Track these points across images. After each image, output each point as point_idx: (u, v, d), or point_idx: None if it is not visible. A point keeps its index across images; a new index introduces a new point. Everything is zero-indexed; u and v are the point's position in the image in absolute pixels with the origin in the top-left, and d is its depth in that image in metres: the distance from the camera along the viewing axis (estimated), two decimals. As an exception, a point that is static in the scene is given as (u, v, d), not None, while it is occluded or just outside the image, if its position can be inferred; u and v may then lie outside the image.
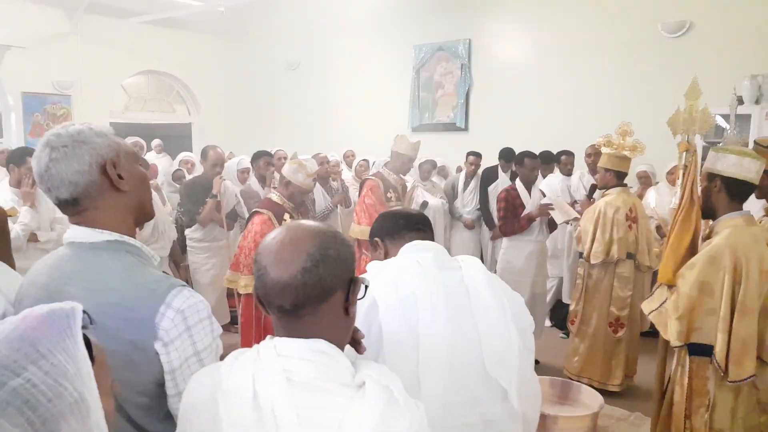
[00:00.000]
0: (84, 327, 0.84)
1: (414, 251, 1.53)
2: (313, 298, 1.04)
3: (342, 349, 1.09)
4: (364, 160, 6.67)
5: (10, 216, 1.64)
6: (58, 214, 4.01)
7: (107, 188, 1.30)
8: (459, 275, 1.49)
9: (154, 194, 4.51)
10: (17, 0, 7.58)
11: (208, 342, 1.27)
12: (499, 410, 1.41)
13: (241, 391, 1.00)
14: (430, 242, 1.60)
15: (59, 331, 0.79)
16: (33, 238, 3.80)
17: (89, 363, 0.81)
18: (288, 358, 1.02)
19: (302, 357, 1.02)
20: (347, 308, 1.09)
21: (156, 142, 8.39)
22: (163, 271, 1.43)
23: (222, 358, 1.21)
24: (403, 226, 1.65)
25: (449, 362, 1.36)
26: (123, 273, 1.27)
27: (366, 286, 1.14)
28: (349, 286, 1.09)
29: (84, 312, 0.85)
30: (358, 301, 1.13)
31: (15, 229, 3.67)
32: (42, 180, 1.29)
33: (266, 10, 8.78)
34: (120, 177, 1.31)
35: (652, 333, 3.73)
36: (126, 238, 1.32)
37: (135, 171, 1.37)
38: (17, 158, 3.86)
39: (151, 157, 8.03)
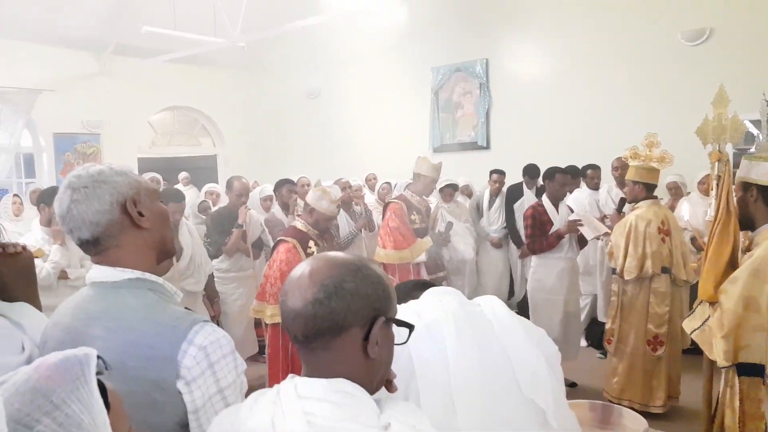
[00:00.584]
0: (99, 373, 0.82)
1: (433, 295, 1.51)
2: (323, 331, 0.99)
3: (371, 390, 1.03)
4: (386, 183, 6.67)
5: (37, 257, 1.65)
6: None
7: (128, 226, 1.30)
8: (479, 309, 1.46)
9: (189, 225, 4.55)
10: (47, 45, 7.84)
11: (232, 379, 1.24)
12: None
13: None
14: (448, 287, 1.58)
15: (73, 379, 0.77)
16: (63, 275, 3.85)
17: (105, 411, 0.79)
18: (309, 400, 0.97)
19: (324, 398, 0.97)
20: (366, 348, 1.02)
21: (182, 175, 8.53)
22: (186, 307, 1.41)
23: (250, 389, 1.18)
24: (414, 288, 1.67)
25: (482, 385, 1.31)
26: (144, 311, 1.26)
27: (410, 330, 1.07)
28: (371, 324, 1.03)
29: (99, 357, 0.83)
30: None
31: (45, 267, 3.73)
32: (64, 221, 1.30)
33: (285, 41, 8.92)
34: (141, 214, 1.31)
35: (694, 350, 3.58)
36: (147, 275, 1.31)
37: (155, 208, 1.36)
38: (47, 198, 3.93)
39: (177, 190, 8.15)
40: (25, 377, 0.76)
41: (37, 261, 3.76)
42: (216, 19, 7.59)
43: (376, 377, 1.06)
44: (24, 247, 1.56)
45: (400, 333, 1.09)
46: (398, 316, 1.10)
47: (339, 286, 1.00)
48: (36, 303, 1.55)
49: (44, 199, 3.97)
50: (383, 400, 1.02)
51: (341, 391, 0.98)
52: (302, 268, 1.05)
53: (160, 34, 7.32)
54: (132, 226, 1.30)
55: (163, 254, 1.40)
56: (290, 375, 1.06)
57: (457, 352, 1.32)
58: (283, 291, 1.05)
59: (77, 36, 8.01)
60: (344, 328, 1.00)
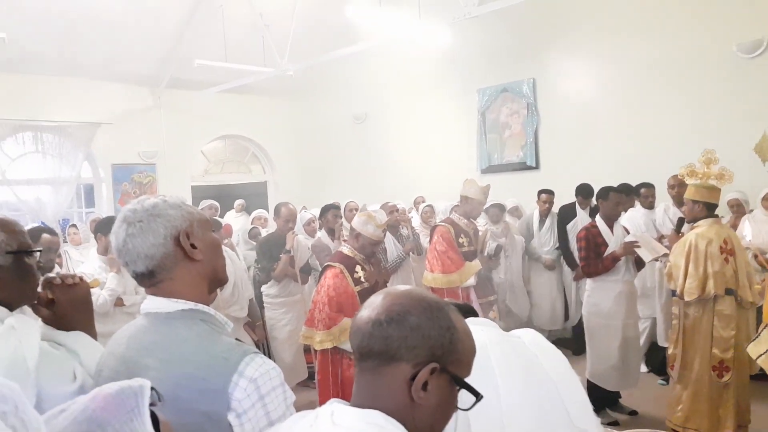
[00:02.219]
0: (152, 404, 0.83)
1: (473, 323, 1.47)
2: (374, 353, 0.99)
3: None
4: (428, 206, 6.61)
5: (92, 287, 1.71)
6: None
7: (181, 258, 1.33)
8: (520, 341, 1.43)
9: (229, 252, 4.63)
10: (105, 81, 8.24)
11: (281, 411, 1.24)
12: None
13: None
14: (484, 319, 1.55)
15: (127, 410, 0.80)
16: (119, 302, 3.98)
17: None
18: (342, 429, 0.96)
19: (355, 428, 0.95)
20: (412, 389, 0.98)
21: (238, 202, 8.79)
22: (237, 338, 1.42)
23: None
24: None
25: (532, 413, 1.28)
26: (197, 342, 1.27)
27: (478, 398, 1.00)
28: (421, 368, 0.98)
29: (152, 389, 0.84)
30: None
31: (102, 294, 3.87)
32: (120, 254, 1.34)
33: (332, 68, 9.09)
34: (193, 246, 1.33)
35: (764, 376, 3.38)
36: (200, 307, 1.33)
37: (208, 239, 1.39)
38: (104, 227, 4.09)
39: (230, 216, 8.37)
40: (82, 407, 0.79)
41: (94, 289, 3.91)
42: (264, 50, 7.82)
43: (421, 424, 1.01)
44: (81, 278, 1.62)
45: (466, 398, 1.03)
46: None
47: (403, 315, 0.99)
48: (92, 332, 1.60)
49: (101, 228, 4.13)
50: None
51: (373, 424, 0.95)
52: (383, 292, 1.07)
53: (212, 66, 7.59)
54: (185, 258, 1.33)
55: (215, 283, 1.43)
56: (332, 399, 1.05)
57: (506, 378, 1.29)
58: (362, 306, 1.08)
59: (133, 72, 8.40)
60: (394, 359, 0.98)
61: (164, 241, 1.30)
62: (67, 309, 1.54)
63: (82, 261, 5.16)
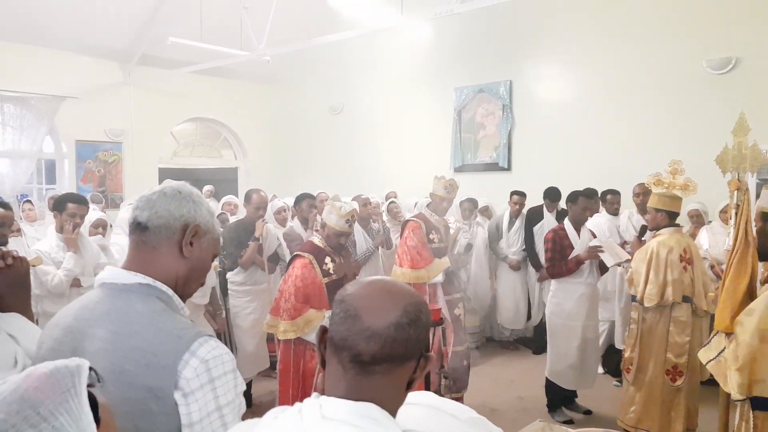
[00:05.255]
0: (91, 385, 0.80)
1: None
2: (394, 356, 0.96)
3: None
4: (392, 202, 6.63)
5: (33, 266, 1.63)
6: (102, 259, 4.06)
7: (174, 243, 1.32)
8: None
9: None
10: (72, 53, 7.99)
11: (231, 397, 1.22)
12: None
13: None
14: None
15: (63, 391, 0.75)
16: (76, 283, 3.81)
17: (94, 425, 0.76)
18: (334, 422, 0.93)
19: (350, 422, 0.92)
20: (411, 381, 1.01)
21: (207, 187, 8.61)
22: (191, 320, 1.39)
23: (260, 405, 1.15)
24: None
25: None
26: (150, 317, 1.25)
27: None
28: (419, 360, 1.01)
29: (91, 369, 0.81)
30: None
31: (58, 275, 3.71)
32: (140, 200, 1.34)
33: (310, 57, 9.01)
34: (190, 244, 1.34)
35: (712, 382, 3.47)
36: (158, 284, 1.31)
37: (204, 253, 1.38)
38: (59, 205, 3.88)
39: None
40: (14, 386, 0.74)
41: (49, 268, 3.77)
42: (242, 33, 7.69)
43: (399, 407, 1.02)
44: (19, 258, 1.54)
45: None
46: None
47: (417, 315, 0.99)
48: (29, 314, 1.53)
49: (59, 206, 3.90)
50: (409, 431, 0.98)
51: (368, 417, 0.93)
52: (376, 285, 1.01)
53: (186, 45, 7.43)
54: (176, 246, 1.33)
55: (179, 287, 1.36)
56: (315, 393, 1.02)
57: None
58: (351, 306, 0.98)
59: (103, 45, 8.15)
60: (408, 358, 0.98)
61: (177, 217, 1.32)
62: (3, 290, 1.47)
63: (37, 238, 4.98)
